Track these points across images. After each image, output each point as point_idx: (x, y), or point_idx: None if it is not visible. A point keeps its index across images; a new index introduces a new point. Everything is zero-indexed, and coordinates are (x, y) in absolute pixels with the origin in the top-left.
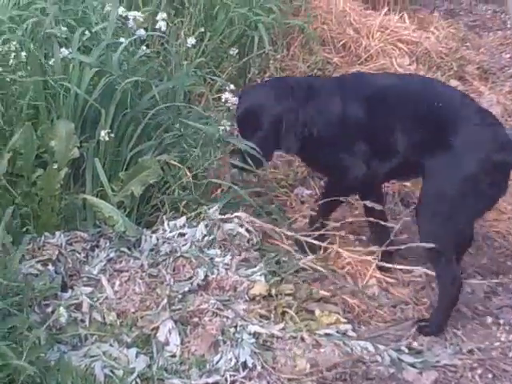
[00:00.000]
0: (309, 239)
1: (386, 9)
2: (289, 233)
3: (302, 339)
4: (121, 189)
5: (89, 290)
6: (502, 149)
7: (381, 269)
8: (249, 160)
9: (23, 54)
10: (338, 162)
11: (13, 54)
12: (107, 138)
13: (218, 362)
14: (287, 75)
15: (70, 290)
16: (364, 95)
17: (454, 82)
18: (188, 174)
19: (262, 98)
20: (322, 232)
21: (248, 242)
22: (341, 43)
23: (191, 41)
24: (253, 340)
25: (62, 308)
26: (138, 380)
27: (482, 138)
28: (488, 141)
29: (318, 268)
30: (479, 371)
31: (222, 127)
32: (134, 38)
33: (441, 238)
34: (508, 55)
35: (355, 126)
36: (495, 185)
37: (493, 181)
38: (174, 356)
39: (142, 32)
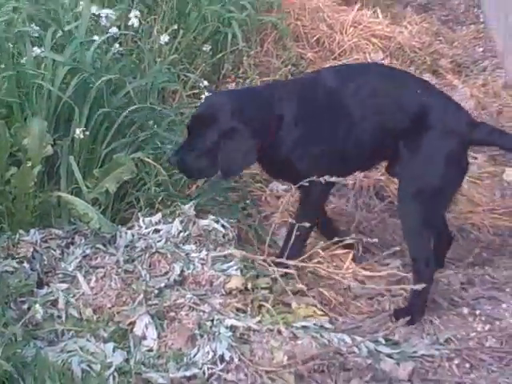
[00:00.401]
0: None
1: (359, 4)
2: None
3: (279, 332)
4: (95, 186)
5: (65, 286)
6: (470, 129)
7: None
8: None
9: None
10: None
11: None
12: (82, 136)
13: (195, 356)
14: (261, 72)
15: (45, 287)
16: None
17: (427, 76)
18: (162, 171)
19: (212, 110)
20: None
21: (224, 237)
22: (314, 39)
23: (164, 38)
24: (230, 333)
25: (37, 305)
26: (115, 374)
27: (454, 121)
28: (459, 123)
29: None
30: (456, 361)
31: None
32: (108, 36)
33: (419, 218)
34: (481, 49)
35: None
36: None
37: (464, 161)
38: (151, 350)
39: (114, 30)
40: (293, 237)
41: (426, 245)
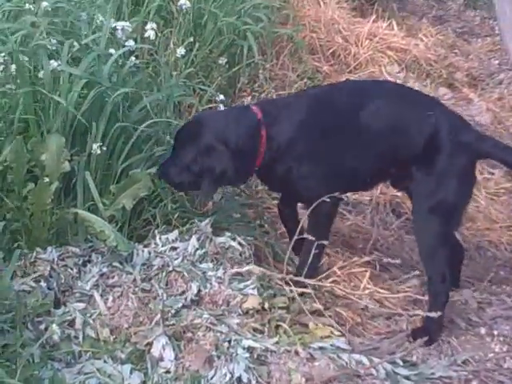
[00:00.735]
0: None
1: (374, 16)
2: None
3: (297, 353)
4: (112, 202)
5: (82, 305)
6: (479, 143)
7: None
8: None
9: (13, 66)
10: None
11: (1, 67)
12: (99, 152)
13: (212, 378)
14: (276, 85)
15: (62, 307)
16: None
17: (443, 90)
18: None
19: (195, 127)
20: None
21: (240, 255)
22: (330, 51)
23: (180, 51)
24: (247, 354)
25: (54, 325)
26: None
27: (463, 137)
28: (468, 138)
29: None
30: (474, 383)
31: None
32: (125, 49)
33: (436, 233)
34: (497, 61)
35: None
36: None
37: (473, 174)
38: (168, 372)
39: (131, 43)
40: (310, 255)
41: (442, 262)
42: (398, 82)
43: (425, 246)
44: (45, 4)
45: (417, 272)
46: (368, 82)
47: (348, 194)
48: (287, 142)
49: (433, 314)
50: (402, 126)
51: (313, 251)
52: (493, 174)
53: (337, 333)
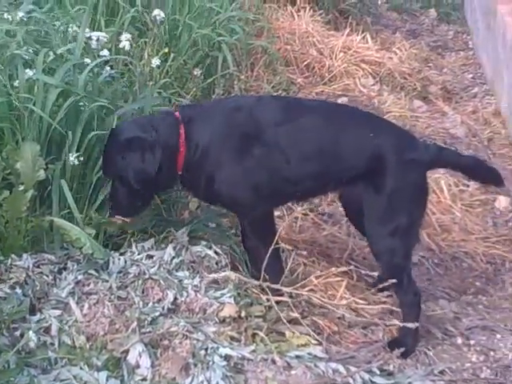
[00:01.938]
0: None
1: (348, 29)
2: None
3: (273, 361)
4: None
5: (57, 312)
6: (428, 153)
7: None
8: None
9: None
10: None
11: None
12: (76, 162)
13: None
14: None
15: (38, 313)
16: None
17: (417, 102)
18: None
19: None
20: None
21: (217, 263)
22: (304, 64)
23: (155, 61)
24: (224, 363)
25: (31, 332)
26: None
27: (410, 150)
28: (416, 151)
29: (287, 291)
30: None
31: None
32: (101, 59)
33: (400, 253)
34: (471, 75)
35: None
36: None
37: (426, 185)
38: (144, 379)
39: (106, 52)
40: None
41: (409, 276)
42: (373, 94)
43: (389, 267)
44: (21, 14)
45: (394, 280)
46: (309, 100)
47: (323, 205)
48: (206, 142)
49: (410, 325)
50: (333, 146)
51: (266, 258)
52: (468, 186)
53: (314, 341)
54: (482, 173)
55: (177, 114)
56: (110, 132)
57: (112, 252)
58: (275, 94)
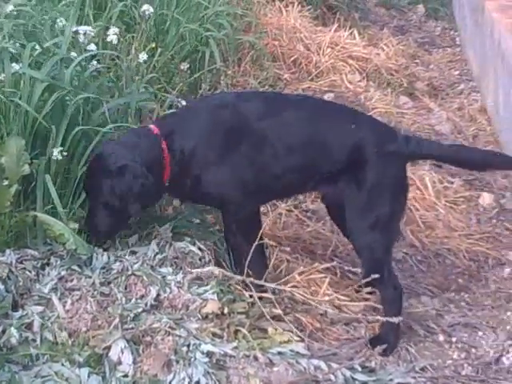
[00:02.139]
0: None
1: (335, 25)
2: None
3: (255, 358)
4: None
5: (40, 309)
6: (407, 145)
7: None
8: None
9: None
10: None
11: None
12: (60, 157)
13: (171, 382)
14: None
15: (20, 309)
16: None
17: (403, 99)
18: None
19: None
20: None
21: (200, 259)
22: (291, 59)
23: (142, 56)
24: (206, 359)
25: (12, 328)
26: None
27: (389, 142)
28: (395, 142)
29: (270, 286)
30: None
31: None
32: (88, 54)
33: (381, 247)
34: (457, 72)
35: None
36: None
37: (406, 177)
38: (126, 376)
39: (93, 47)
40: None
41: (390, 272)
42: (359, 90)
43: (370, 261)
44: (10, 8)
45: (377, 275)
46: (289, 95)
47: (308, 202)
48: (190, 150)
49: (392, 319)
50: (315, 139)
51: (250, 254)
52: (452, 182)
53: (296, 338)
54: (467, 159)
55: (155, 129)
56: (95, 157)
57: (95, 248)
58: (261, 89)
